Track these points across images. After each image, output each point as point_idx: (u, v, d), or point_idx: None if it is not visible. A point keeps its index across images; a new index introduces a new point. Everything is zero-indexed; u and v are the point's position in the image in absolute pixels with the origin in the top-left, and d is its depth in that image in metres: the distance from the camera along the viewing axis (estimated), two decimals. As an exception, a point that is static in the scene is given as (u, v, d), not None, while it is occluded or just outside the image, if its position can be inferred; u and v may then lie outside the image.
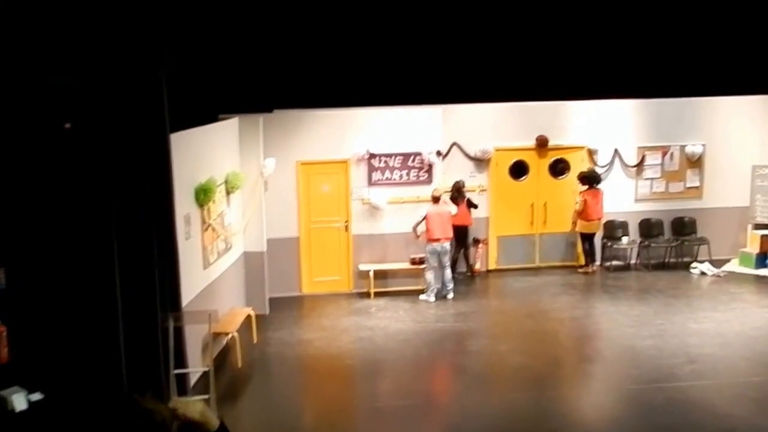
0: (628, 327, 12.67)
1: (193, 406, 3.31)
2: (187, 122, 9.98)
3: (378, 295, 14.47)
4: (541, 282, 15.44)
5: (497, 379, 10.99)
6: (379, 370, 11.33)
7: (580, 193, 15.76)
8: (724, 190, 16.79)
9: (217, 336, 10.99)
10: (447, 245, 14.03)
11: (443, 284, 14.22)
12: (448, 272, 14.22)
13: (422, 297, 14.15)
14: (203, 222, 10.73)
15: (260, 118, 12.87)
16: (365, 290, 14.64)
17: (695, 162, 16.71)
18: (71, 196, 7.75)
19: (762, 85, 15.81)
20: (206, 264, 10.89)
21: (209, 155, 11.19)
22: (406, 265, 14.58)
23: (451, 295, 14.21)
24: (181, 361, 9.12)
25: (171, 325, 8.70)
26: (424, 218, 13.91)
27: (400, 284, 14.64)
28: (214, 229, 11.14)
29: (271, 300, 13.66)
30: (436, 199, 14.03)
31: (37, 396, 7.44)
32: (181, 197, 9.75)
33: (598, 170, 16.11)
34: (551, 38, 9.18)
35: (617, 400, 10.07)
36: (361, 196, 14.59)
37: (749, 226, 16.69)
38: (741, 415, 9.36)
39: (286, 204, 14.31)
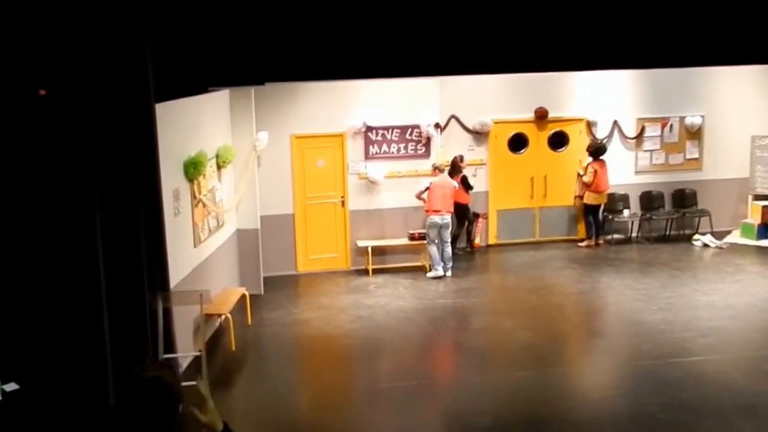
0: (635, 301, 11.86)
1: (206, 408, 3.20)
2: (173, 92, 9.04)
3: (377, 272, 13.52)
4: (543, 256, 14.55)
5: (504, 356, 10.08)
6: (380, 349, 10.40)
7: (589, 164, 14.88)
8: (723, 161, 16.05)
9: (209, 317, 10.05)
10: (448, 218, 13.09)
11: (443, 262, 13.30)
12: (449, 249, 13.29)
13: (430, 274, 13.20)
14: (193, 197, 9.76)
15: (252, 90, 11.87)
16: (363, 267, 13.70)
17: (695, 133, 15.88)
18: (47, 170, 6.81)
19: (761, 54, 15.25)
20: (197, 242, 9.93)
21: (199, 128, 10.21)
22: (405, 241, 13.64)
23: (449, 273, 13.27)
24: (171, 344, 8.20)
25: (159, 306, 7.78)
26: (427, 188, 13.01)
27: (399, 261, 13.69)
28: (204, 205, 10.18)
29: (266, 279, 12.66)
30: (438, 170, 13.12)
31: (12, 386, 6.54)
32: (170, 171, 8.82)
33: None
34: (549, 7, 8.53)
35: (631, 377, 9.18)
36: (357, 171, 13.56)
37: (749, 198, 15.96)
38: (760, 390, 8.58)
39: (280, 179, 13.28)
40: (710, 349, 9.89)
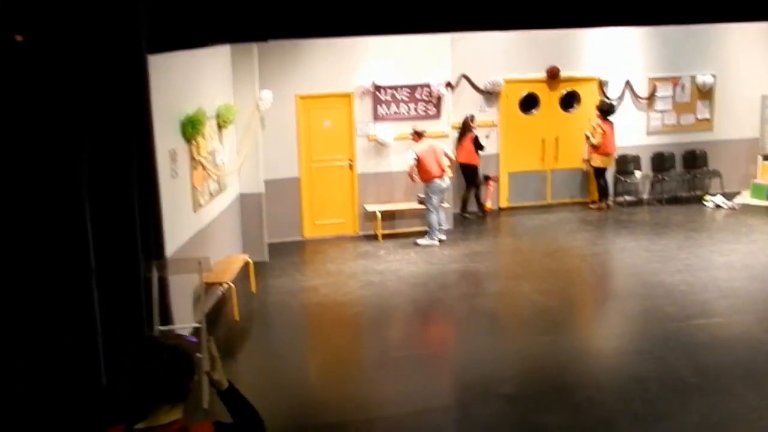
0: (653, 262, 10.82)
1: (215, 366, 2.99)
2: (168, 44, 7.92)
3: (386, 237, 12.38)
4: (555, 219, 13.46)
5: (522, 321, 9.01)
6: (392, 316, 9.34)
7: (598, 125, 13.74)
8: (734, 121, 15.03)
9: (210, 287, 8.97)
10: (447, 180, 11.96)
11: (440, 225, 12.17)
12: (443, 213, 12.21)
13: (423, 241, 11.99)
14: (192, 159, 8.65)
15: (254, 46, 10.69)
16: (372, 233, 12.55)
17: (706, 93, 14.77)
18: (27, 127, 5.71)
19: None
20: (196, 206, 8.82)
21: (197, 84, 9.06)
22: (415, 205, 12.51)
23: (443, 237, 12.14)
24: (167, 316, 7.16)
25: (154, 275, 6.75)
26: (417, 160, 11.74)
27: (409, 225, 12.56)
28: (204, 168, 9.06)
29: (270, 246, 11.51)
30: (419, 135, 11.86)
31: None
32: (165, 130, 7.72)
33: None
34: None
35: (656, 339, 8.14)
36: (366, 132, 12.32)
37: (759, 158, 14.88)
38: (791, 350, 7.65)
39: (284, 142, 12.05)
40: (734, 309, 9.05)
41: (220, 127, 9.81)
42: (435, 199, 11.93)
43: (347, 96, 12.22)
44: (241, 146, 10.74)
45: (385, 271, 10.78)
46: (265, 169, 11.28)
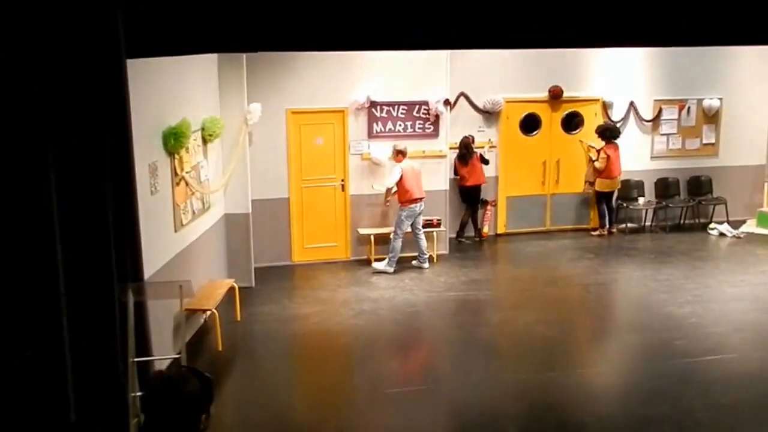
0: (660, 293, 10.39)
1: None
2: (148, 49, 7.44)
3: (380, 262, 11.90)
4: (556, 246, 13.00)
5: (525, 354, 8.52)
6: (387, 347, 8.80)
7: (601, 149, 13.36)
8: (740, 147, 14.73)
9: (192, 313, 8.42)
10: (423, 205, 11.44)
11: (419, 252, 11.63)
12: (424, 238, 11.65)
13: (379, 266, 11.44)
14: (174, 174, 8.13)
15: (243, 56, 10.19)
16: (365, 257, 12.04)
17: (712, 117, 14.42)
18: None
19: None
20: (178, 226, 8.28)
21: (182, 94, 8.56)
22: (410, 229, 12.03)
23: (426, 265, 11.63)
24: (145, 345, 6.61)
25: (130, 299, 6.19)
26: (401, 177, 11.21)
27: (403, 250, 12.02)
28: (187, 184, 8.54)
29: (257, 270, 10.94)
30: (402, 154, 11.30)
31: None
32: (146, 141, 7.23)
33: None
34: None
35: (669, 377, 7.67)
36: (360, 151, 11.84)
37: (765, 186, 14.54)
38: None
39: (273, 159, 11.51)
40: (748, 344, 8.67)
41: (205, 140, 9.30)
42: (407, 224, 11.41)
43: (341, 112, 11.73)
44: (227, 162, 10.21)
45: (379, 298, 10.25)
46: (252, 188, 10.74)
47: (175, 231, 8.16)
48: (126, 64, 6.24)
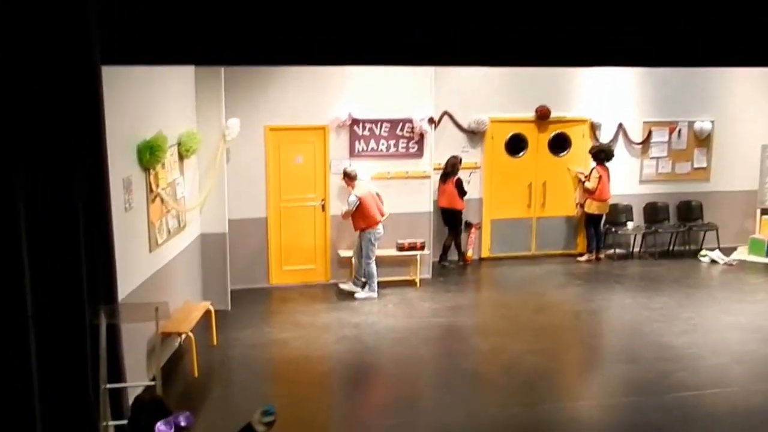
0: (655, 322, 10.35)
1: None
2: (124, 57, 7.30)
3: (362, 291, 11.73)
4: (542, 271, 12.94)
5: (516, 386, 8.36)
6: (369, 376, 8.68)
7: (594, 169, 13.37)
8: (732, 171, 14.73)
9: (167, 337, 8.23)
10: (383, 230, 11.35)
11: (356, 275, 11.51)
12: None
13: (361, 295, 11.30)
14: (149, 190, 7.97)
15: (221, 70, 10.09)
16: (346, 281, 11.94)
17: (703, 140, 14.48)
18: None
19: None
20: (153, 245, 8.11)
21: (157, 106, 8.41)
22: (393, 252, 11.90)
23: (358, 290, 11.44)
24: (118, 371, 6.41)
25: (103, 322, 6.01)
26: (359, 204, 11.05)
27: (386, 274, 11.90)
28: (163, 201, 8.38)
29: (234, 292, 10.79)
30: (352, 178, 11.19)
31: None
32: (120, 155, 7.08)
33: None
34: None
35: (670, 411, 7.60)
36: (341, 170, 11.68)
37: (758, 212, 14.60)
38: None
39: (251, 177, 11.39)
40: (752, 377, 8.58)
41: (181, 156, 9.16)
42: (374, 248, 11.29)
43: (321, 129, 11.64)
44: (204, 179, 10.07)
45: (361, 323, 10.11)
46: (229, 207, 10.59)
47: (150, 250, 7.99)
48: (101, 71, 6.09)
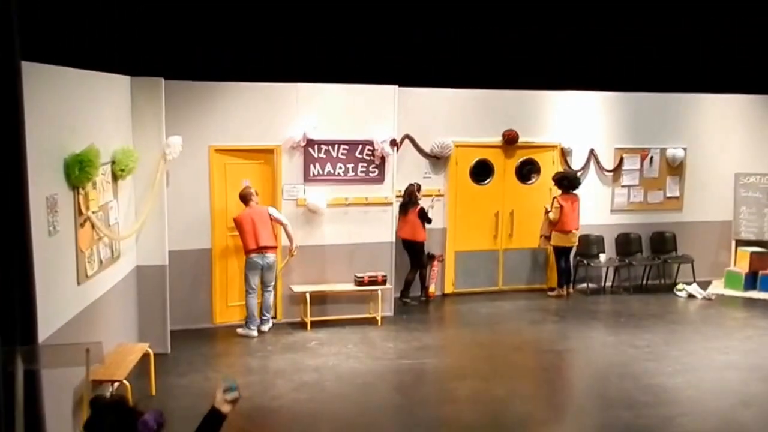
0: (645, 361, 9.70)
1: None
2: (50, 54, 6.37)
3: (317, 325, 10.74)
4: (513, 308, 12.16)
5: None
6: (339, 430, 7.70)
7: (555, 198, 12.70)
8: (705, 201, 14.28)
9: (98, 385, 7.14)
10: (271, 257, 10.34)
11: (263, 313, 10.57)
12: (270, 297, 10.55)
13: (241, 331, 10.41)
14: (78, 213, 6.95)
15: (161, 81, 9.13)
16: (299, 319, 10.94)
17: (676, 168, 13.99)
18: None
19: (739, 83, 13.74)
20: (82, 277, 7.04)
21: (89, 117, 7.42)
22: (351, 287, 11.00)
23: (266, 327, 10.53)
24: (37, 425, 5.40)
25: (20, 368, 5.03)
26: (239, 225, 10.25)
27: (344, 311, 11.00)
28: (94, 226, 7.35)
29: (174, 333, 9.70)
30: (245, 199, 10.28)
31: None
32: (43, 169, 6.12)
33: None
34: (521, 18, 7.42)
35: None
36: (294, 196, 10.80)
37: (733, 243, 14.13)
38: None
39: (195, 203, 10.36)
40: (762, 421, 7.96)
41: (116, 176, 8.14)
42: (252, 279, 10.33)
43: (272, 150, 10.71)
44: (141, 204, 9.03)
45: (321, 367, 9.14)
46: (170, 237, 9.54)
47: (79, 283, 6.93)
48: (21, 70, 5.23)
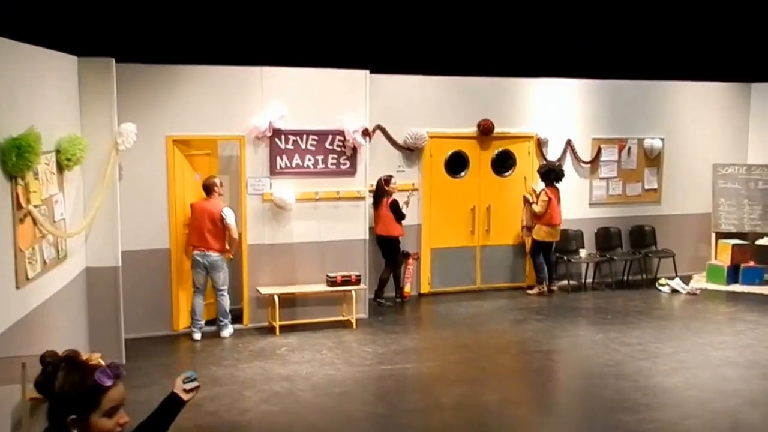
0: (638, 360, 8.98)
1: None
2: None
3: (286, 329, 9.83)
4: (493, 307, 11.38)
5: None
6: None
7: (542, 191, 11.98)
8: (683, 193, 13.73)
9: (39, 403, 6.21)
10: (214, 256, 9.39)
11: (219, 318, 9.69)
12: (224, 299, 9.61)
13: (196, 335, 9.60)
14: (17, 206, 6.01)
15: (112, 63, 8.17)
16: (267, 324, 10.04)
17: (654, 159, 13.38)
18: None
19: (715, 70, 13.24)
20: (22, 280, 6.09)
21: (29, 98, 6.47)
22: (323, 287, 10.13)
23: (226, 333, 9.66)
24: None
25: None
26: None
27: (315, 314, 10.14)
28: (36, 223, 6.40)
29: (130, 342, 8.76)
30: (207, 189, 9.45)
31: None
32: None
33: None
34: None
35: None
36: (260, 190, 9.90)
37: (713, 236, 13.55)
38: None
39: (151, 199, 9.41)
40: None
41: (61, 167, 7.19)
42: (196, 277, 9.52)
43: (236, 141, 9.81)
44: (91, 198, 8.05)
45: (293, 375, 8.25)
46: (123, 236, 8.56)
47: (18, 287, 5.97)
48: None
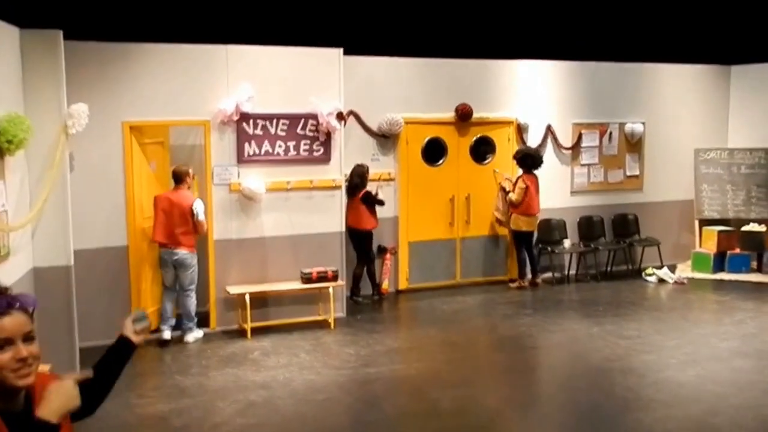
0: (642, 353, 8.23)
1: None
2: None
3: (258, 332, 8.87)
4: (476, 302, 10.55)
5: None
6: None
7: (519, 178, 11.18)
8: (665, 179, 13.08)
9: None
10: (183, 253, 8.49)
11: (182, 318, 8.74)
12: (190, 300, 8.64)
13: (163, 335, 8.62)
14: (-56, 193, 5.02)
15: (59, 36, 7.14)
16: (237, 326, 9.09)
17: (635, 144, 12.67)
18: None
19: (695, 53, 12.65)
20: (-46, 279, 5.13)
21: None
22: (297, 285, 9.20)
23: (191, 337, 8.71)
24: None
25: None
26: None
27: (289, 314, 9.21)
28: (-30, 213, 5.41)
29: (85, 351, 7.59)
30: (177, 178, 8.52)
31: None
32: None
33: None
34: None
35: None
36: (226, 180, 8.95)
37: (696, 223, 12.89)
38: None
39: (106, 191, 8.39)
40: None
41: (2, 151, 6.17)
42: (164, 276, 8.65)
43: (200, 126, 8.84)
44: (37, 189, 7.02)
45: (270, 382, 7.29)
46: (75, 233, 7.52)
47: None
48: None
